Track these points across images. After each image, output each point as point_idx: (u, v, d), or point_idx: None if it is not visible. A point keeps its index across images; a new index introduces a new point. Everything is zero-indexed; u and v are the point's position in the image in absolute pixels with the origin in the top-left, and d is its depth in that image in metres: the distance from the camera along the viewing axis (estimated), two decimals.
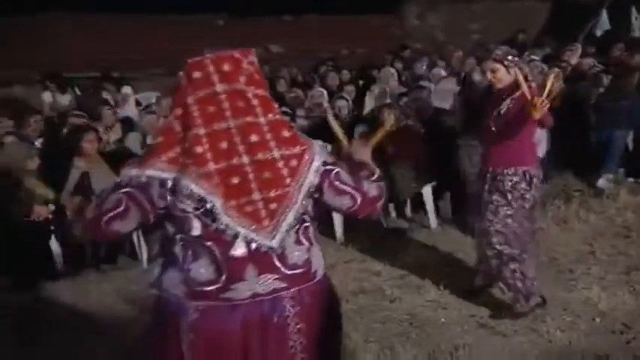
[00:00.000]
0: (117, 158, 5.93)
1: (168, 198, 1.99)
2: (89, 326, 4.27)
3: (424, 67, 9.33)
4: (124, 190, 1.99)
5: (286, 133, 2.05)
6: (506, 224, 3.96)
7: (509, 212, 3.95)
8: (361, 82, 9.20)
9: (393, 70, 8.60)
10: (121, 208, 1.97)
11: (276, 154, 2.01)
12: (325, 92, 7.54)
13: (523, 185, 3.93)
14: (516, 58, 3.99)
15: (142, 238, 5.50)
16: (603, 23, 11.11)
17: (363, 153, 2.36)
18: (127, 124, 7.51)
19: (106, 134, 6.56)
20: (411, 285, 4.66)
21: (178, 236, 2.04)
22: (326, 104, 6.96)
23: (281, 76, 9.13)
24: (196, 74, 2.01)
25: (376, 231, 5.87)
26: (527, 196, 3.94)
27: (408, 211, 6.33)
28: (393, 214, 6.27)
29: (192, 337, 2.05)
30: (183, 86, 2.03)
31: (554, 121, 4.01)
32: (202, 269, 2.02)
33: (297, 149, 2.05)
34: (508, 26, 12.42)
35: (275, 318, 2.06)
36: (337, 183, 2.10)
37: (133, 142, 6.69)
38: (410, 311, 4.23)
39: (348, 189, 2.12)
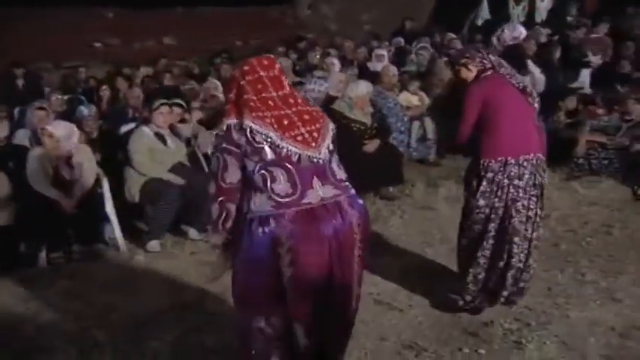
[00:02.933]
0: (5, 156, 5.79)
1: (247, 136, 2.69)
2: None
3: (317, 56, 9.51)
4: (218, 148, 2.77)
5: (309, 101, 3.10)
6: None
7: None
8: None
9: (287, 60, 8.71)
10: (222, 163, 2.75)
11: (308, 108, 2.87)
12: (220, 84, 7.55)
13: None
14: (473, 54, 4.00)
15: (37, 237, 5.38)
16: (484, 13, 11.69)
17: None
18: (15, 121, 7.26)
19: None
20: None
21: (258, 166, 2.71)
22: (221, 96, 6.99)
23: (171, 70, 9.08)
24: (246, 67, 2.83)
25: None
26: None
27: None
28: None
29: (290, 243, 2.66)
30: (235, 77, 2.84)
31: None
32: (281, 185, 2.71)
33: (317, 109, 2.94)
34: (398, 16, 12.80)
35: (342, 217, 2.74)
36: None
37: (21, 138, 6.47)
38: None
39: None
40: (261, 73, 2.81)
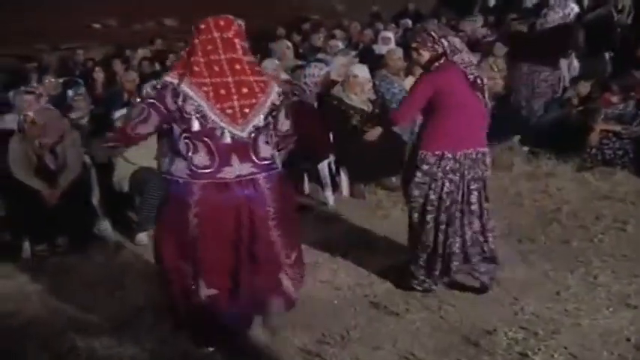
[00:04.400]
0: None
1: (178, 102, 2.91)
2: None
3: (321, 38, 9.18)
4: (147, 100, 3.00)
5: (258, 68, 3.12)
6: None
7: None
8: (258, 56, 8.96)
9: (288, 43, 8.40)
10: (143, 114, 2.97)
11: (251, 78, 3.00)
12: None
13: None
14: (424, 38, 3.84)
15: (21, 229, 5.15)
16: None
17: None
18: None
19: None
20: None
21: (183, 135, 2.95)
22: None
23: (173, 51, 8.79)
24: (202, 26, 3.00)
25: None
26: None
27: (305, 187, 6.19)
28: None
29: (197, 209, 2.99)
30: (193, 36, 3.01)
31: None
32: (200, 157, 2.95)
33: (265, 77, 3.10)
34: None
35: (255, 192, 3.04)
36: (286, 110, 3.18)
37: (10, 123, 6.23)
38: (301, 294, 4.09)
39: (291, 119, 3.23)
40: (215, 34, 2.97)
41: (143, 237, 5.22)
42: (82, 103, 6.36)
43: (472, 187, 3.85)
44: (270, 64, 6.70)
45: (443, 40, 3.78)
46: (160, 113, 2.96)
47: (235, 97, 2.95)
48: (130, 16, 12.33)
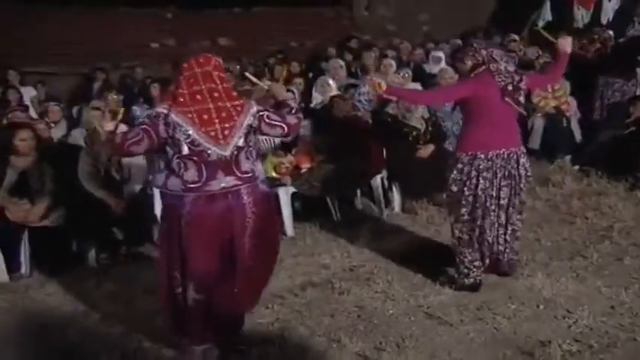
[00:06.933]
0: (61, 155, 5.84)
1: (169, 131, 3.35)
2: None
3: (373, 56, 9.33)
4: (142, 126, 3.41)
5: (234, 94, 3.53)
6: None
7: None
8: (310, 75, 9.18)
9: (341, 62, 8.58)
10: (138, 137, 3.38)
11: (228, 104, 3.43)
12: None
13: None
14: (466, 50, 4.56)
15: (87, 238, 5.40)
16: (546, 14, 11.29)
17: (281, 92, 3.94)
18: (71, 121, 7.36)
19: (47, 131, 6.38)
20: (359, 277, 4.65)
21: (175, 156, 3.38)
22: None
23: (230, 70, 9.04)
24: (185, 65, 3.47)
25: (325, 224, 5.85)
26: None
27: (357, 202, 6.33)
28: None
29: (188, 218, 3.38)
30: (179, 74, 3.47)
31: None
32: (190, 173, 3.36)
33: (240, 102, 3.49)
34: (456, 16, 12.52)
35: (237, 202, 3.42)
36: (268, 120, 3.53)
37: (76, 138, 6.54)
38: (358, 303, 4.22)
39: (277, 122, 3.57)
40: (196, 70, 3.44)
41: None
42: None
43: (503, 183, 4.25)
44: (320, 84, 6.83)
45: (482, 51, 4.31)
46: (151, 139, 3.37)
47: (216, 120, 3.38)
48: (186, 35, 12.69)
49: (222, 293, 3.48)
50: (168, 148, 3.41)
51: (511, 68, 4.28)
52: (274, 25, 13.10)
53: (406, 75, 7.79)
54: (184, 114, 3.35)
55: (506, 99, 4.20)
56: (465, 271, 4.34)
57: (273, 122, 3.55)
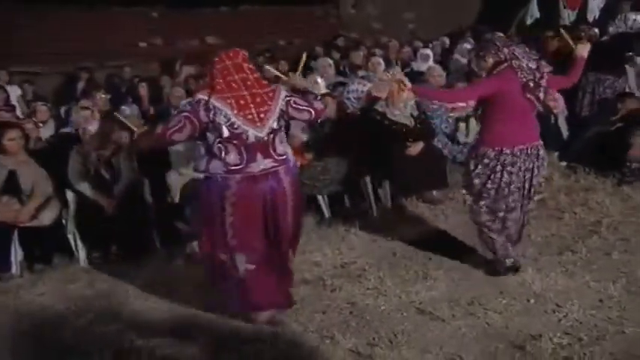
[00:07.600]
0: (49, 155, 5.83)
1: (210, 116, 3.64)
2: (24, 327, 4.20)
3: (361, 56, 9.37)
4: (184, 113, 3.72)
5: (264, 82, 3.88)
6: None
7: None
8: (297, 73, 9.15)
9: (329, 60, 8.60)
10: (180, 124, 3.67)
11: (260, 90, 3.77)
12: None
13: None
14: (488, 47, 4.50)
15: (78, 237, 5.38)
16: (533, 11, 11.34)
17: (301, 82, 4.57)
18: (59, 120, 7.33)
19: (36, 131, 6.36)
20: (351, 274, 4.68)
21: (217, 140, 3.67)
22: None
23: None
24: (217, 59, 3.78)
25: (315, 221, 5.87)
26: None
27: (348, 200, 6.35)
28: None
29: (234, 199, 3.69)
30: (212, 67, 3.78)
31: None
32: (232, 156, 3.67)
33: (271, 88, 3.85)
34: (442, 15, 12.57)
35: (278, 183, 3.76)
36: (295, 105, 3.86)
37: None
38: (350, 300, 4.25)
39: (304, 107, 3.91)
40: (227, 62, 3.75)
41: (195, 246, 5.40)
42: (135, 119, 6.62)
43: (526, 176, 4.44)
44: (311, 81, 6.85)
45: (505, 49, 4.38)
46: (193, 125, 3.66)
47: (252, 105, 3.70)
48: (173, 34, 12.64)
49: (271, 261, 3.89)
50: (209, 134, 3.70)
51: (533, 65, 4.37)
52: (262, 23, 13.08)
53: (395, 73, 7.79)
54: (224, 99, 3.66)
55: (528, 95, 4.32)
56: (502, 252, 4.51)
57: (300, 107, 3.87)
